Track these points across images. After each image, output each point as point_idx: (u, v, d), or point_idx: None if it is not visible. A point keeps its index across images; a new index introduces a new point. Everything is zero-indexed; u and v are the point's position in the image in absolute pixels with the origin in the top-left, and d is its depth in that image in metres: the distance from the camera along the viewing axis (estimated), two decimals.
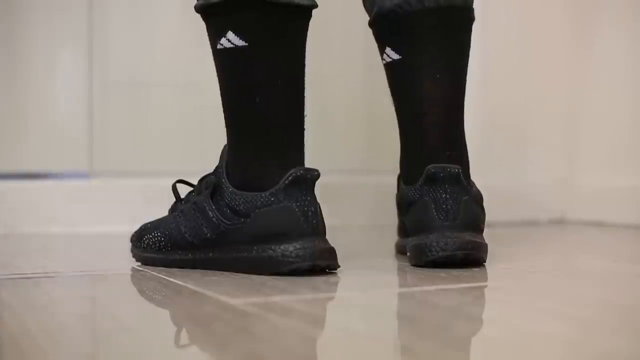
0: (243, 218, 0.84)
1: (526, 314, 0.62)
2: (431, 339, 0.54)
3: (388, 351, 0.52)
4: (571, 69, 1.69)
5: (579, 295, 0.74)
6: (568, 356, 0.49)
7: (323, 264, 0.82)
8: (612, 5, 1.63)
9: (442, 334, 0.56)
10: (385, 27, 0.97)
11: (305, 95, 0.89)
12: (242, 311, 0.64)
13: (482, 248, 0.89)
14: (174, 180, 0.98)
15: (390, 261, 1.00)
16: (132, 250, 0.97)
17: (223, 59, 0.89)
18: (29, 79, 1.65)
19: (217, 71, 0.91)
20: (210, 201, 0.88)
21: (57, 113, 1.67)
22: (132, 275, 0.90)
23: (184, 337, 0.59)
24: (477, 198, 0.93)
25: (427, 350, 0.50)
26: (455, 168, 0.89)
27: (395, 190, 1.02)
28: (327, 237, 0.84)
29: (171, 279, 0.82)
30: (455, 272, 0.84)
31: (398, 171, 1.01)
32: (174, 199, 0.97)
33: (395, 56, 0.96)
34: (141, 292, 0.82)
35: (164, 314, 0.71)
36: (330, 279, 0.81)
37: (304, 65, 0.89)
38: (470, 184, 0.93)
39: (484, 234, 0.92)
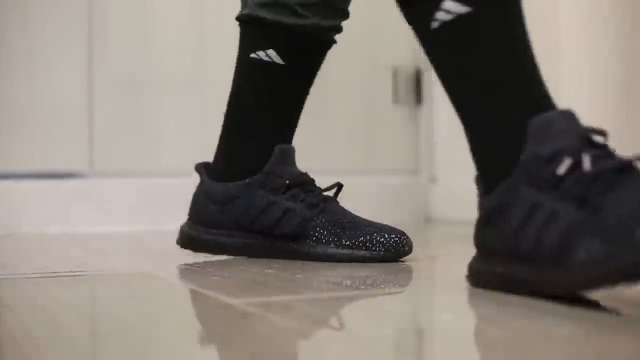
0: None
1: (526, 314, 0.61)
2: (431, 339, 0.54)
3: (388, 351, 0.52)
4: (571, 65, 1.69)
5: (579, 295, 0.74)
6: (568, 356, 0.49)
7: None
8: None
9: (441, 333, 0.56)
10: None
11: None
12: (242, 311, 0.64)
13: None
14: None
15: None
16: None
17: (253, 68, 1.01)
18: (29, 79, 1.65)
19: (238, 74, 1.03)
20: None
21: (57, 113, 1.67)
22: (132, 276, 0.91)
23: (184, 337, 0.59)
24: None
25: (427, 350, 0.50)
26: None
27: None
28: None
29: (171, 279, 0.82)
30: (454, 271, 0.84)
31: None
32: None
33: (460, 8, 0.71)
34: (141, 292, 0.82)
35: (164, 314, 0.71)
36: (330, 278, 0.81)
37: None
38: None
39: None
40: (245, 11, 1.00)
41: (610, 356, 0.48)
